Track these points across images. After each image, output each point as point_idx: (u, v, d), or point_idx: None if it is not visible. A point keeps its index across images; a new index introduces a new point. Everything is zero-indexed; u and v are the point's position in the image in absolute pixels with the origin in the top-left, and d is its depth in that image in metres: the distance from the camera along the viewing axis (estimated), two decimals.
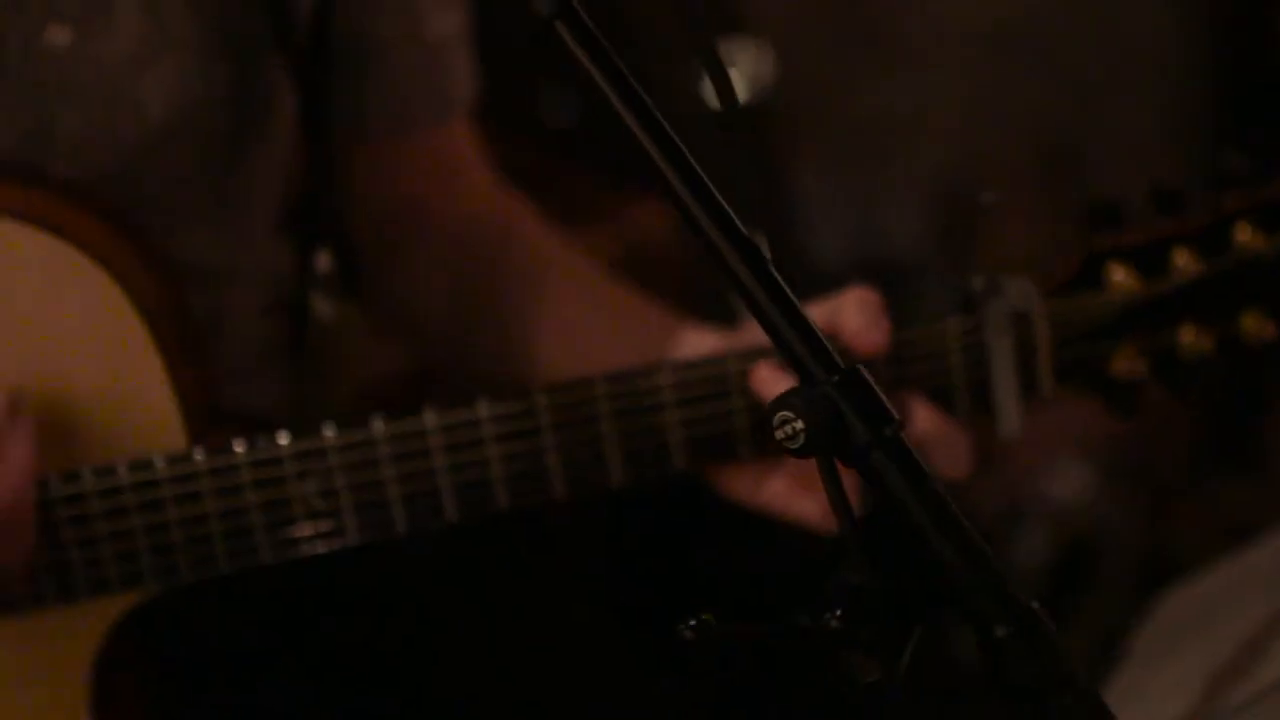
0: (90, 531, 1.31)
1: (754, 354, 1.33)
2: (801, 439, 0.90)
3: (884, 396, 0.92)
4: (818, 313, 1.31)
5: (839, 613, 0.91)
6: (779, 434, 0.91)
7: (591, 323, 1.50)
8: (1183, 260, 1.35)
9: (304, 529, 1.31)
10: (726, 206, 0.95)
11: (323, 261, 1.47)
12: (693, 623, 0.94)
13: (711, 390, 1.33)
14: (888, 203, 2.97)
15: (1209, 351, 1.36)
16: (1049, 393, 1.36)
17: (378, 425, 1.30)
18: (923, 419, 1.32)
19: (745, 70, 2.63)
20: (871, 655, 0.93)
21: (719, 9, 2.71)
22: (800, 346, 0.93)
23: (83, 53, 1.36)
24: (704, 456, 1.35)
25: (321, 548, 1.32)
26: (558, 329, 1.51)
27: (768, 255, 0.94)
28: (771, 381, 1.31)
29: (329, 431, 1.30)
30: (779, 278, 0.94)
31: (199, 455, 1.31)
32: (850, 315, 1.31)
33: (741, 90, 2.60)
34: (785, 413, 0.90)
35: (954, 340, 1.33)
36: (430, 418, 1.31)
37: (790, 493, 1.35)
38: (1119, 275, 1.36)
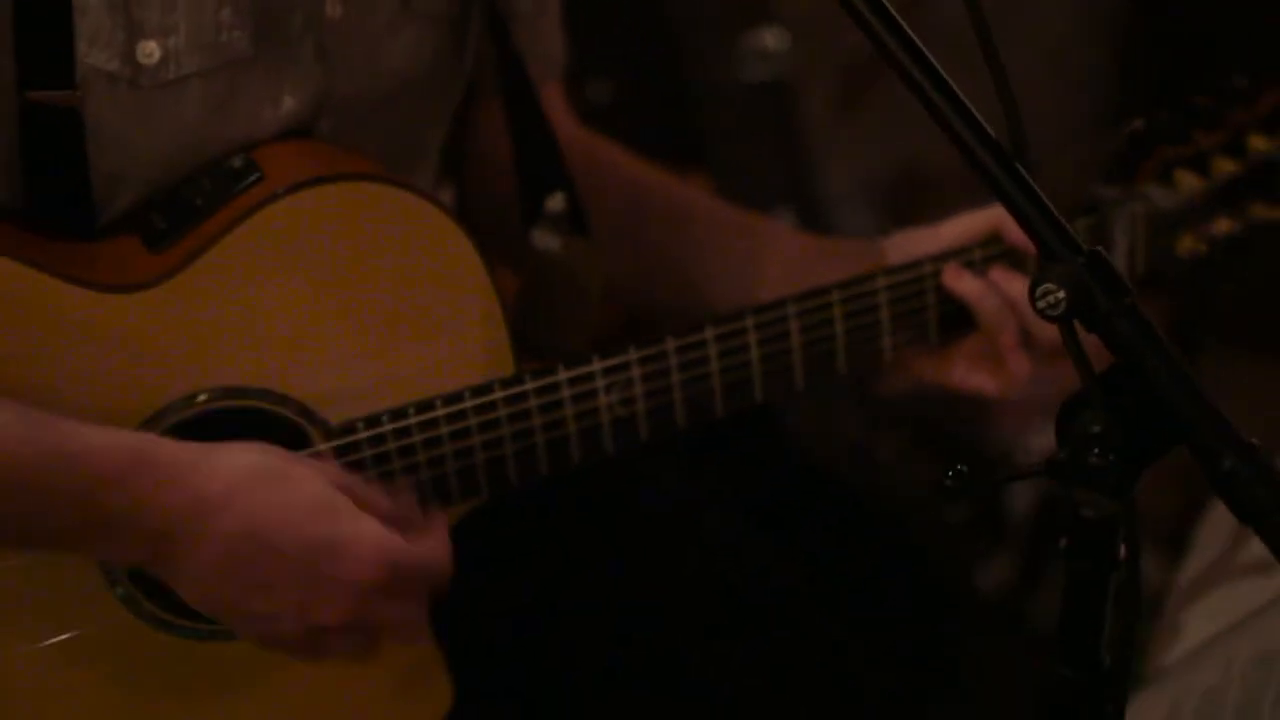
0: (438, 451, 1.50)
1: (943, 256, 1.59)
2: (1062, 307, 1.08)
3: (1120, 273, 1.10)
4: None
5: (1091, 452, 1.09)
6: (1041, 304, 1.08)
7: (749, 254, 1.72)
8: (1219, 164, 1.69)
9: (607, 434, 1.53)
10: (976, 113, 1.13)
11: (555, 201, 1.64)
12: (950, 473, 1.12)
13: (913, 290, 1.58)
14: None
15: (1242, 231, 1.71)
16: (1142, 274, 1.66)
17: (669, 340, 1.54)
18: None
19: (775, 48, 2.79)
20: (1103, 492, 1.11)
21: None
22: (1048, 231, 1.11)
23: (350, 24, 1.52)
24: (903, 345, 1.58)
25: (618, 448, 1.54)
26: (726, 265, 1.73)
27: None
28: (959, 277, 1.55)
29: (631, 349, 1.53)
30: (1026, 174, 1.12)
31: (528, 379, 1.52)
32: None
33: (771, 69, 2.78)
34: (1049, 284, 1.08)
35: (1082, 237, 1.56)
36: (709, 329, 1.54)
37: (969, 370, 1.57)
38: (1185, 178, 1.69)
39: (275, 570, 1.42)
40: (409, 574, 1.45)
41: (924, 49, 1.14)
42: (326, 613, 1.43)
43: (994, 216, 1.61)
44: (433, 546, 1.46)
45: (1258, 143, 1.70)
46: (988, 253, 1.62)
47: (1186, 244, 1.69)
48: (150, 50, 1.45)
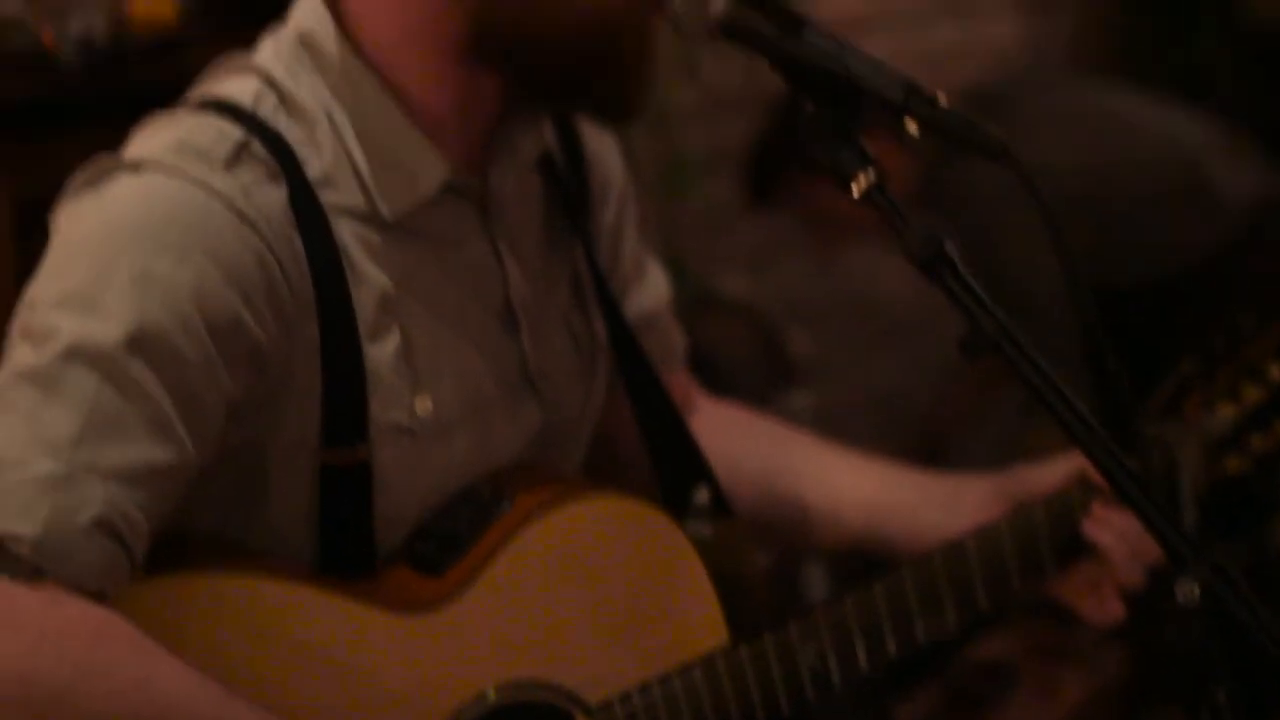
0: (679, 718, 1.73)
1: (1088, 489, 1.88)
2: (1196, 599, 1.41)
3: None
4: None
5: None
6: (1181, 595, 1.41)
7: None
8: (1247, 390, 1.97)
9: (809, 685, 1.78)
10: (1101, 431, 1.45)
11: (701, 495, 1.88)
12: None
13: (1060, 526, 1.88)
14: None
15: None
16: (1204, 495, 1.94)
17: (847, 599, 1.80)
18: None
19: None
20: None
21: None
22: (1175, 539, 1.44)
23: (547, 367, 1.79)
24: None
25: (819, 696, 1.78)
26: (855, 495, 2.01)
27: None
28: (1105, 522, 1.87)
29: (848, 599, 1.79)
30: (1155, 496, 1.44)
31: (742, 647, 1.76)
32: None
33: None
34: (1186, 580, 1.41)
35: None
36: (877, 585, 1.81)
37: (1079, 594, 1.91)
38: (1224, 408, 1.97)
39: None
40: None
41: (1070, 395, 1.47)
42: None
43: (1077, 461, 1.86)
44: None
45: (1276, 371, 1.98)
46: (1085, 496, 1.89)
47: (1234, 463, 1.97)
48: (425, 405, 1.67)
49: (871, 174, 1.48)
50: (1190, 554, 1.43)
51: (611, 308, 1.87)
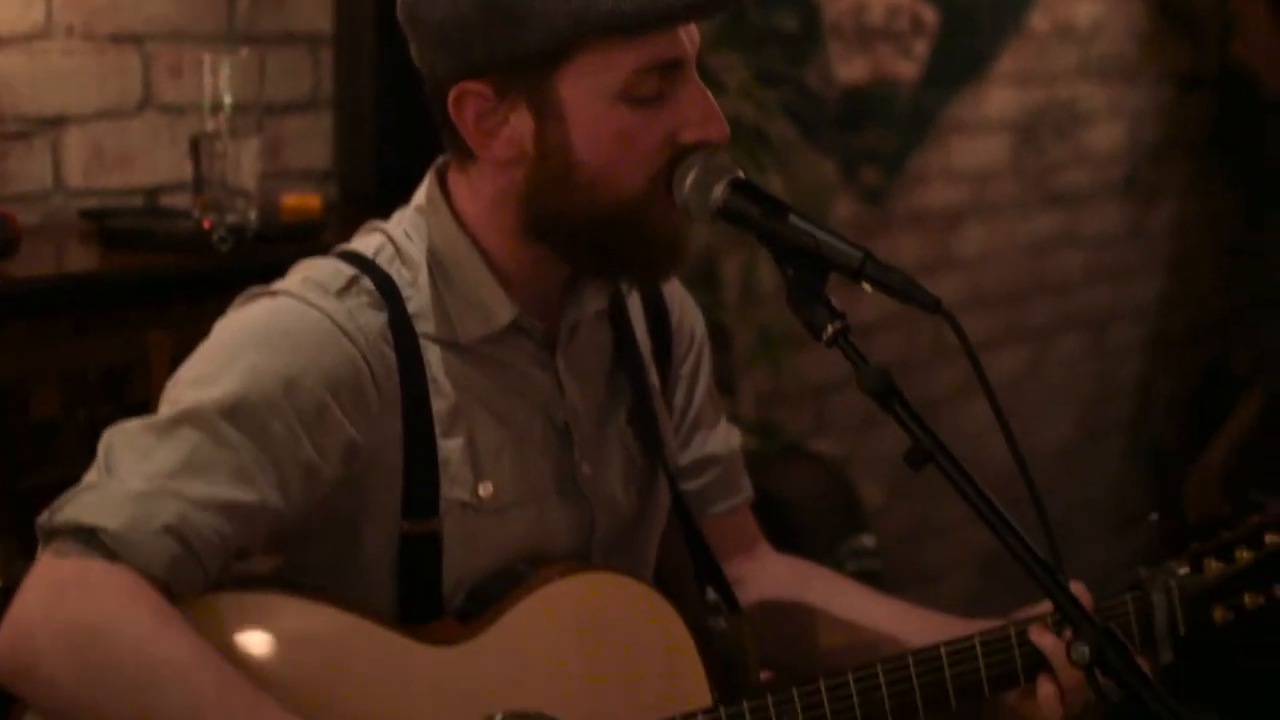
0: None
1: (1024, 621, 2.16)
2: (1086, 659, 1.75)
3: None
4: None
5: None
6: (1074, 656, 1.75)
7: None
8: (1240, 553, 2.24)
9: None
10: (1018, 527, 1.78)
11: (709, 593, 2.23)
12: None
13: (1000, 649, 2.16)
14: None
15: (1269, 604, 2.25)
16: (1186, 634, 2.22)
17: (821, 680, 2.08)
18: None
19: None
20: None
21: None
22: (1076, 612, 1.78)
23: (598, 478, 2.19)
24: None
25: None
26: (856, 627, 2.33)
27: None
28: (1041, 633, 2.14)
29: (823, 682, 2.07)
30: (1057, 573, 1.79)
31: (722, 710, 2.03)
32: None
33: None
34: (1079, 644, 1.75)
35: (1131, 606, 2.21)
36: (850, 673, 2.09)
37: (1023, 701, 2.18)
38: (1211, 564, 2.24)
39: None
40: None
41: (992, 498, 1.82)
42: None
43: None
44: None
45: (1273, 538, 2.23)
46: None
47: (1219, 613, 2.21)
48: (487, 488, 2.04)
49: (837, 325, 1.87)
50: (1083, 622, 1.78)
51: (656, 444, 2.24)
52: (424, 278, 2.05)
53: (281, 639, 1.93)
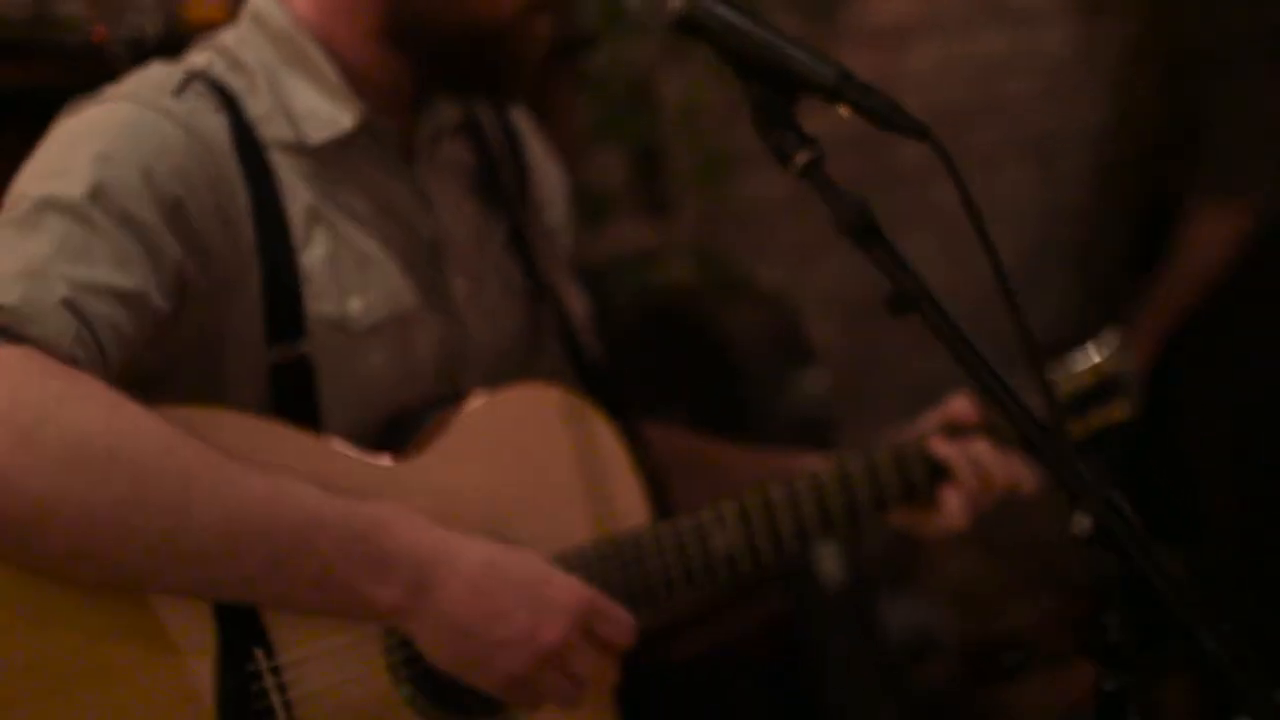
0: (614, 576, 1.97)
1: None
2: (1088, 531, 1.56)
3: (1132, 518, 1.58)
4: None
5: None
6: (1077, 528, 1.56)
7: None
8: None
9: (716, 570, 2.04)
10: (1006, 381, 1.61)
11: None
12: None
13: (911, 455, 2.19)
14: None
15: None
16: None
17: (750, 493, 2.09)
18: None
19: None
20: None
21: None
22: (1070, 474, 1.59)
23: (474, 295, 2.13)
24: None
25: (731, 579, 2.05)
26: None
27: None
28: (941, 443, 2.19)
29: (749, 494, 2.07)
30: (1063, 443, 1.60)
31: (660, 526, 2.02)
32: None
33: None
34: (1080, 515, 1.56)
35: None
36: (774, 489, 2.10)
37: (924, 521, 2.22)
38: None
39: (509, 597, 1.80)
40: (606, 615, 1.86)
41: (978, 348, 1.63)
42: (548, 633, 1.80)
43: (946, 412, 2.23)
44: (621, 610, 1.89)
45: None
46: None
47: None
48: (355, 304, 1.95)
49: (808, 152, 1.66)
50: (1084, 491, 1.59)
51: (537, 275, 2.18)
52: (262, 82, 1.97)
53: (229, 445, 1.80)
